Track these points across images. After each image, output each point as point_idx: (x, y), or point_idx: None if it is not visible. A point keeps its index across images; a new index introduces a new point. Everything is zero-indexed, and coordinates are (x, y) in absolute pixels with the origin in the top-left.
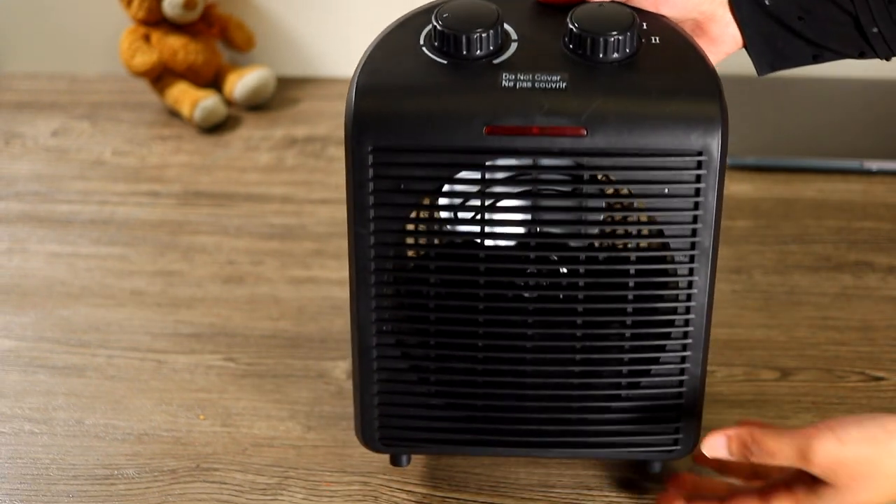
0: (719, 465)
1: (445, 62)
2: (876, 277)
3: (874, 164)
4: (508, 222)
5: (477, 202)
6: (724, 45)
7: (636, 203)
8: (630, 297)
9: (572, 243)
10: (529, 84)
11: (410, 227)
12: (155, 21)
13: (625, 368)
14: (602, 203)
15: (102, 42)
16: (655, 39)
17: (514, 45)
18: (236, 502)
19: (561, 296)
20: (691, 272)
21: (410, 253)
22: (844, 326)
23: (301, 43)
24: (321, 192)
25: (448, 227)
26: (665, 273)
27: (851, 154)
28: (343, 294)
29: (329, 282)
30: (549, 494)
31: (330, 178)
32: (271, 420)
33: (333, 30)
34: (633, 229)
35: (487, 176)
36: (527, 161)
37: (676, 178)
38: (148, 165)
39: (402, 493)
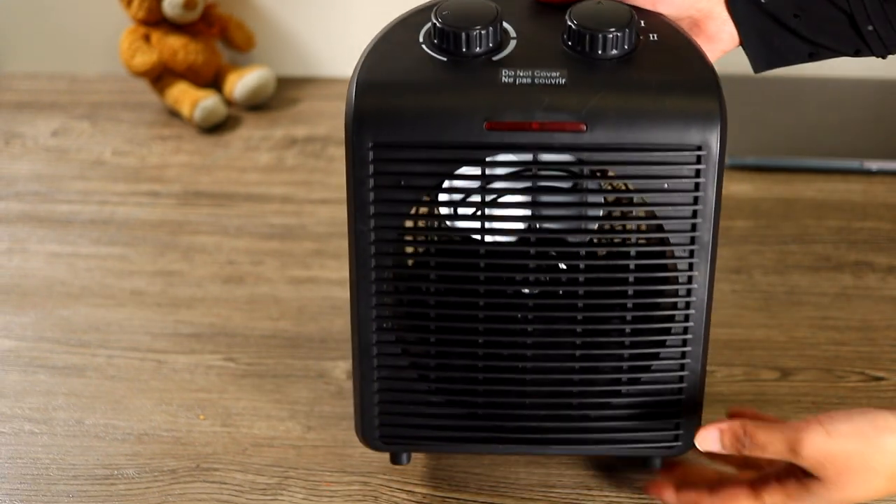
0: (711, 453)
1: (445, 59)
2: (876, 277)
3: (874, 164)
4: (508, 218)
5: (477, 198)
6: (721, 42)
7: (636, 198)
8: (630, 292)
9: (572, 239)
10: (529, 80)
11: (411, 223)
12: (155, 21)
13: (625, 364)
14: (602, 198)
15: (102, 42)
16: (653, 37)
17: (513, 43)
18: (236, 502)
19: (561, 291)
20: (691, 267)
21: (410, 250)
22: (844, 326)
23: (301, 43)
24: (321, 192)
25: (448, 223)
26: (665, 268)
27: (851, 154)
28: (343, 294)
29: (329, 282)
30: (549, 494)
31: (330, 178)
32: (271, 420)
33: (333, 30)
34: (632, 224)
35: (488, 172)
36: (527, 156)
37: (676, 173)
38: (148, 165)
39: (402, 493)
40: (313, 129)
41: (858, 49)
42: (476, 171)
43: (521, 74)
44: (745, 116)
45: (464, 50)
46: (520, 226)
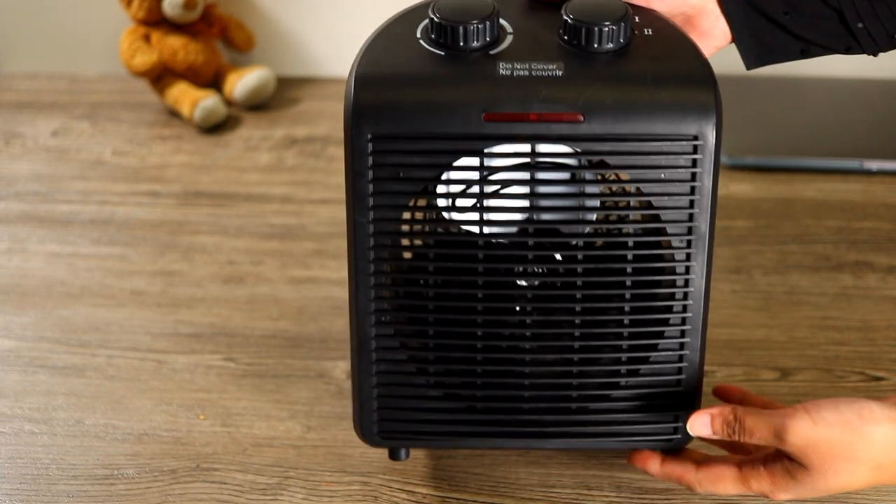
0: (702, 438)
1: (442, 53)
2: (876, 277)
3: (874, 164)
4: (507, 209)
5: (475, 190)
6: (714, 38)
7: (633, 188)
8: (628, 283)
9: (570, 230)
10: (526, 72)
11: (409, 216)
12: (155, 21)
13: (624, 356)
14: (599, 189)
15: (102, 42)
16: (648, 31)
17: (509, 38)
18: (236, 502)
19: (559, 283)
20: (688, 257)
21: (408, 242)
22: (844, 326)
23: (301, 43)
24: (321, 192)
25: (446, 215)
26: (662, 258)
27: (851, 154)
28: (343, 294)
29: (329, 282)
30: (549, 494)
31: (330, 178)
32: (271, 420)
33: (333, 30)
34: (630, 215)
35: (486, 163)
36: (525, 147)
37: (672, 163)
38: (148, 165)
39: (402, 493)
40: (313, 129)
41: (849, 46)
42: (474, 162)
43: (519, 67)
44: (745, 116)
45: (461, 44)
46: (518, 216)
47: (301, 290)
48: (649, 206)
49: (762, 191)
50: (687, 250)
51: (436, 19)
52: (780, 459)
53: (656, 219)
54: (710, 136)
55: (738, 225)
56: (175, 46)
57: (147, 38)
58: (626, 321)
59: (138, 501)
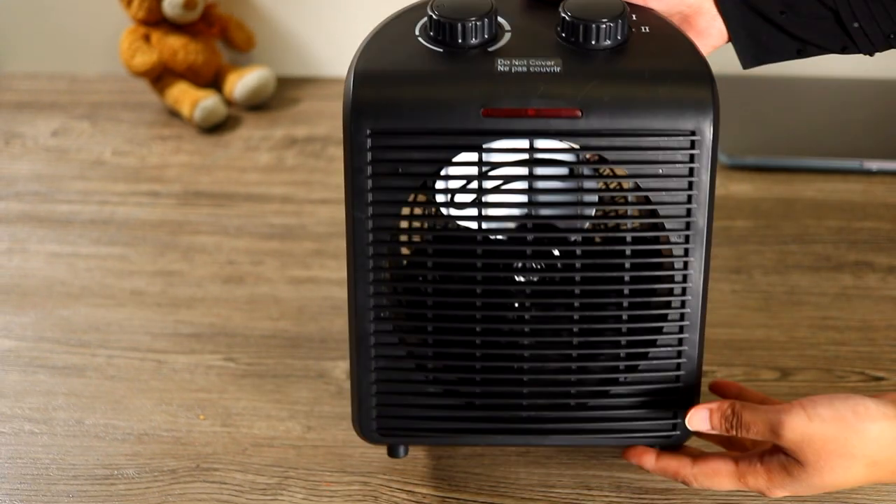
0: (699, 434)
1: (441, 50)
2: (876, 277)
3: (874, 164)
4: (505, 204)
5: (474, 186)
6: (711, 37)
7: (631, 184)
8: (626, 278)
9: (569, 226)
10: (524, 69)
11: (408, 210)
12: (155, 21)
13: (622, 351)
14: (598, 185)
15: (102, 42)
16: (645, 29)
17: (507, 35)
18: (236, 502)
19: (558, 278)
20: (686, 252)
21: (406, 237)
22: (844, 326)
23: (301, 43)
24: (321, 192)
25: (445, 211)
26: (660, 254)
27: (851, 154)
28: (343, 294)
29: (329, 282)
30: (549, 494)
31: (330, 178)
32: (271, 420)
33: (333, 30)
34: (628, 210)
35: (484, 158)
36: (523, 143)
37: (670, 158)
38: (148, 165)
39: (402, 493)
40: (313, 129)
41: (845, 46)
42: (473, 157)
43: (517, 63)
44: (746, 116)
45: (459, 41)
46: (516, 212)
47: (301, 290)
48: (647, 201)
49: (762, 191)
50: (685, 245)
51: (434, 17)
52: (777, 455)
53: (654, 214)
54: (708, 131)
55: (738, 225)
56: (175, 46)
57: (147, 38)
58: (624, 317)
59: (138, 501)
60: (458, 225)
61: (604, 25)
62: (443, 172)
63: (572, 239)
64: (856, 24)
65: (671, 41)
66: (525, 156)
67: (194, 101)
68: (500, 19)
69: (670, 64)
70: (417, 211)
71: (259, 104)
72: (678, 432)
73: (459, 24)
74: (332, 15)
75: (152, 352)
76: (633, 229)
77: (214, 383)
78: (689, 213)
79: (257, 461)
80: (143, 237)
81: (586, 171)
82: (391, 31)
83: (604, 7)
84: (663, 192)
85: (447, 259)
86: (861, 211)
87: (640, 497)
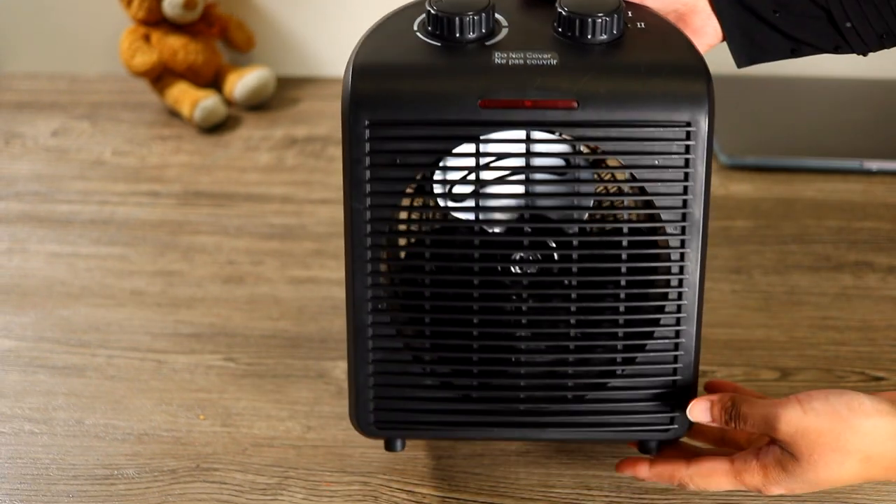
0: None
1: (439, 44)
2: (876, 277)
3: (874, 164)
4: (503, 195)
5: (471, 178)
6: (706, 36)
7: (627, 175)
8: (623, 269)
9: (566, 216)
10: (521, 61)
11: (406, 202)
12: (155, 21)
13: (620, 343)
14: (594, 176)
15: (102, 42)
16: (641, 25)
17: (505, 30)
18: (236, 502)
19: (555, 269)
20: (683, 244)
21: (403, 227)
22: (844, 326)
23: (301, 43)
24: (321, 192)
25: (442, 202)
26: (657, 245)
27: (851, 154)
28: (343, 294)
29: (329, 282)
30: (549, 494)
31: (330, 178)
32: (271, 420)
33: (333, 30)
34: (625, 202)
35: (481, 150)
36: (520, 134)
37: (666, 149)
38: (148, 165)
39: (402, 493)
40: (313, 129)
41: (838, 46)
42: (470, 149)
43: (514, 56)
44: (746, 117)
45: (457, 35)
46: (513, 203)
47: (301, 290)
48: (643, 192)
49: (762, 191)
50: (681, 237)
51: (433, 11)
52: (772, 451)
53: (650, 205)
54: (703, 123)
55: (738, 225)
56: (175, 46)
57: (147, 38)
58: (621, 309)
59: (138, 501)
60: (456, 217)
61: (600, 20)
62: (440, 164)
63: (569, 230)
64: (848, 24)
65: (667, 36)
66: (522, 147)
67: (194, 101)
68: (497, 16)
69: (666, 57)
70: (415, 202)
71: (259, 104)
72: (676, 426)
73: (457, 19)
74: (332, 15)
75: (152, 352)
76: (630, 221)
77: (214, 383)
78: (685, 204)
79: (257, 461)
80: (143, 237)
81: (583, 162)
82: (390, 26)
83: (600, 3)
84: (659, 184)
85: (444, 250)
86: (861, 211)
87: (640, 497)
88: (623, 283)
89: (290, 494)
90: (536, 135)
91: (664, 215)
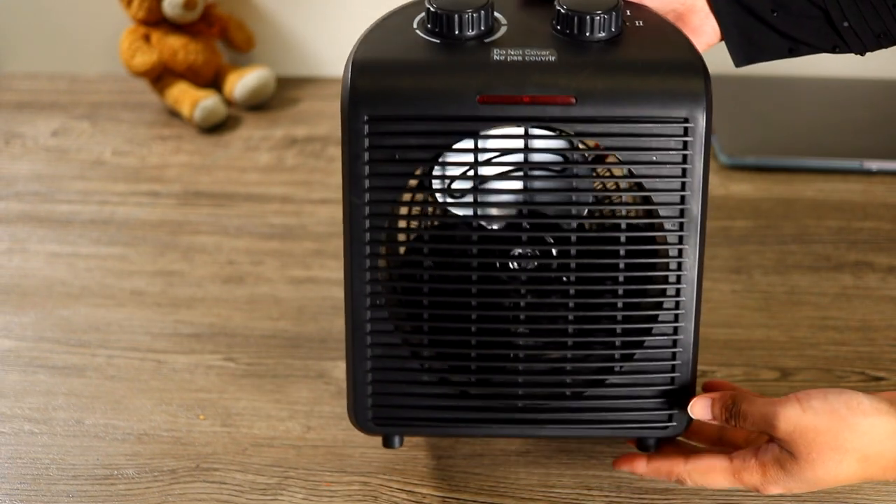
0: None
1: (438, 41)
2: (876, 277)
3: (874, 164)
4: (501, 191)
5: (470, 174)
6: (704, 35)
7: (625, 171)
8: (621, 265)
9: (563, 211)
10: (520, 58)
11: (405, 197)
12: (155, 21)
13: (618, 340)
14: (592, 171)
15: (102, 42)
16: (639, 23)
17: (504, 28)
18: (236, 502)
19: (554, 265)
20: (681, 240)
21: (403, 224)
22: (844, 326)
23: (301, 43)
24: (321, 192)
25: (440, 197)
26: (655, 241)
27: (851, 154)
28: (343, 294)
29: (329, 282)
30: (549, 494)
31: (330, 178)
32: (271, 420)
33: (334, 30)
34: (623, 197)
35: (480, 145)
36: (518, 130)
37: (664, 145)
38: (148, 165)
39: (402, 493)
40: (313, 129)
41: (836, 45)
42: (469, 144)
43: (512, 53)
44: (746, 117)
45: (456, 32)
46: (511, 198)
47: (301, 290)
48: (641, 188)
49: (762, 191)
50: (679, 233)
51: (432, 9)
52: (771, 450)
53: (648, 201)
54: (701, 119)
55: (738, 225)
56: (175, 46)
57: (147, 38)
58: (619, 305)
59: (138, 501)
60: (455, 213)
61: (598, 17)
62: (439, 160)
63: (568, 226)
64: (845, 24)
65: (665, 35)
66: (520, 143)
67: (194, 101)
68: (496, 14)
69: (664, 54)
70: (414, 198)
71: (259, 104)
72: (674, 423)
73: (456, 16)
74: (332, 15)
75: (152, 352)
76: (628, 217)
77: (214, 383)
78: (682, 199)
79: (257, 461)
80: (143, 237)
81: (581, 158)
82: (390, 24)
83: (598, 1)
84: (657, 179)
85: (443, 245)
86: (861, 211)
87: (640, 497)
88: (621, 279)
89: (290, 494)
90: (535, 132)
91: (662, 211)
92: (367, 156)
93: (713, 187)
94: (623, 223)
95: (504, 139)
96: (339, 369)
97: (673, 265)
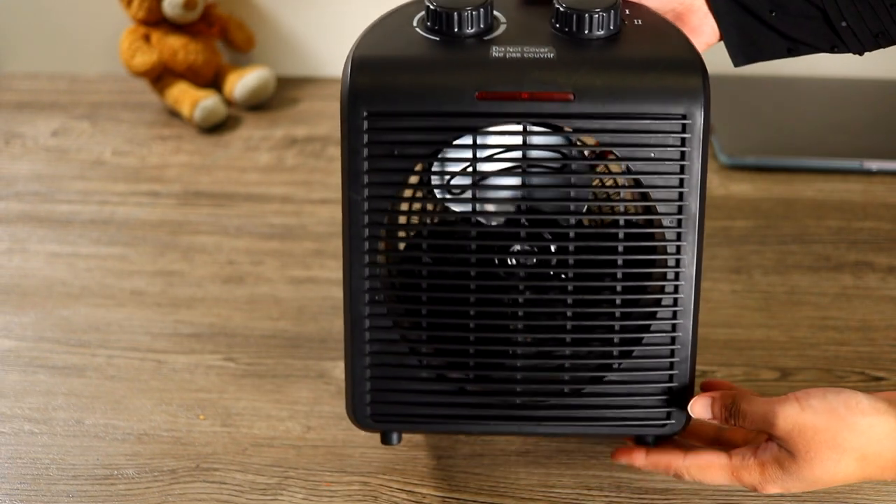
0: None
1: (438, 39)
2: (876, 277)
3: (874, 164)
4: (500, 187)
5: (469, 171)
6: (703, 35)
7: (624, 168)
8: (620, 262)
9: (562, 209)
10: (518, 55)
11: (405, 193)
12: (155, 21)
13: (616, 337)
14: (591, 168)
15: (102, 42)
16: (638, 21)
17: (503, 26)
18: (236, 502)
19: (553, 261)
20: (679, 237)
21: (402, 220)
22: (844, 326)
23: (301, 43)
24: (321, 192)
25: (439, 193)
26: (653, 238)
27: (851, 154)
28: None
29: (329, 282)
30: (549, 494)
31: (330, 178)
32: (271, 420)
33: (333, 30)
34: (621, 194)
35: (478, 142)
36: (517, 126)
37: (662, 142)
38: (148, 165)
39: (402, 493)
40: (313, 129)
41: (834, 45)
42: (467, 141)
43: (511, 50)
44: (746, 117)
45: (455, 30)
46: (510, 194)
47: (301, 290)
48: (640, 185)
49: (762, 191)
50: (677, 230)
51: (432, 7)
52: (770, 448)
53: (647, 198)
54: (699, 116)
55: (738, 225)
56: (175, 46)
57: (147, 38)
58: (618, 301)
59: (138, 501)
60: (453, 209)
61: (597, 15)
62: (438, 156)
63: (566, 223)
64: (844, 24)
65: (663, 33)
66: (518, 140)
67: (194, 101)
68: (495, 12)
69: (662, 52)
70: (416, 193)
71: (259, 104)
72: (672, 421)
73: (455, 14)
74: (332, 15)
75: (152, 352)
76: (627, 213)
77: (214, 383)
78: (681, 196)
79: (257, 461)
80: (143, 237)
81: (579, 155)
82: (390, 22)
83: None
84: (655, 176)
85: (442, 241)
86: (861, 211)
87: (640, 497)
88: (619, 276)
89: (290, 494)
90: (534, 129)
91: (660, 208)
92: (366, 152)
93: (713, 187)
94: (621, 220)
95: (503, 136)
96: (339, 369)
97: (671, 262)
